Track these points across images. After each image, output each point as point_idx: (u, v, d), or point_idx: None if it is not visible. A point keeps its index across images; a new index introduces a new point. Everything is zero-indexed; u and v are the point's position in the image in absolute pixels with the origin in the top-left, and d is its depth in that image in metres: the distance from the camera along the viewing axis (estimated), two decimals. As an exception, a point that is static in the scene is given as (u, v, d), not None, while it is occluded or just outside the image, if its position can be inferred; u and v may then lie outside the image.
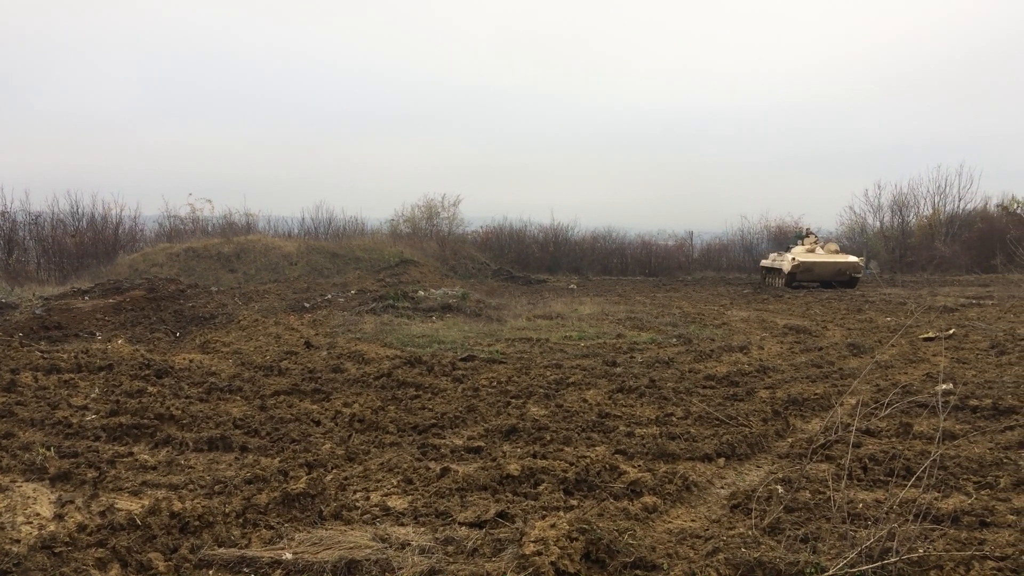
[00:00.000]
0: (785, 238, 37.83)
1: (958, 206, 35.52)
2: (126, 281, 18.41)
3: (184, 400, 7.07)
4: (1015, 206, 35.07)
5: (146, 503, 4.28)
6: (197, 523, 3.99)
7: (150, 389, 7.42)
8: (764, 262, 28.72)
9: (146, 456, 5.44)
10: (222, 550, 3.76)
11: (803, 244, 26.63)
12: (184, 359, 9.11)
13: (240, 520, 4.14)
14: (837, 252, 25.75)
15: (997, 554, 3.65)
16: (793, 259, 24.36)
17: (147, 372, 8.13)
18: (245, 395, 7.45)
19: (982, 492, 4.66)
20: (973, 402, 6.99)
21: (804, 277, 24.63)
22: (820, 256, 24.83)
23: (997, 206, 35.26)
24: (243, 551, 3.76)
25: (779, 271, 25.78)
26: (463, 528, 4.11)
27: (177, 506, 4.10)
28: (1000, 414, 6.63)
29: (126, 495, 4.68)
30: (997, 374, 8.58)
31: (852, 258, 25.12)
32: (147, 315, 13.86)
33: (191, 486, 4.79)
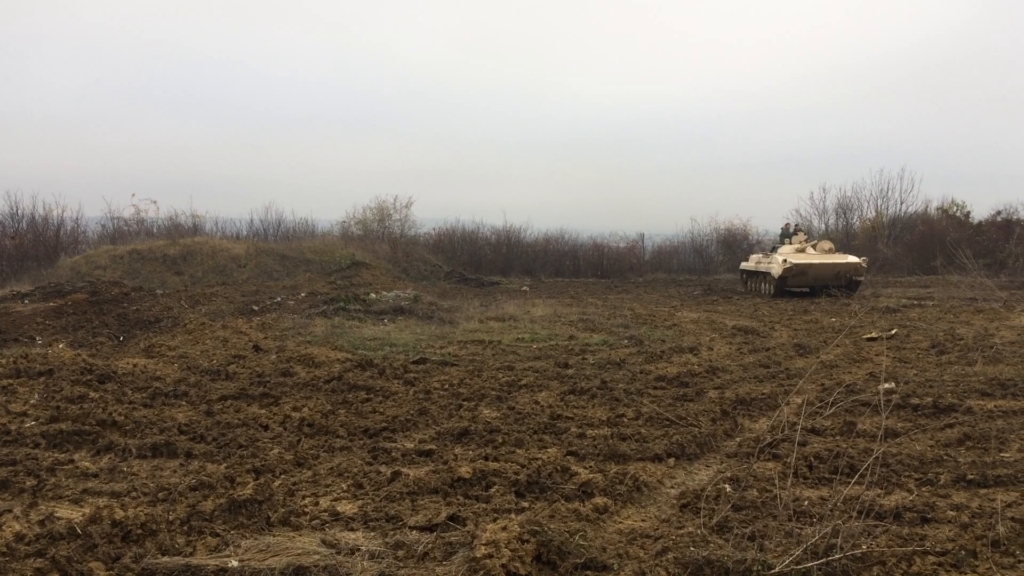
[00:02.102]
0: (734, 239, 38.28)
1: (900, 209, 36.53)
2: (68, 284, 17.93)
3: (127, 406, 6.90)
4: (954, 209, 36.10)
5: (87, 511, 4.15)
6: (140, 531, 3.90)
7: (92, 395, 7.23)
8: (746, 264, 25.03)
9: (87, 463, 5.30)
10: (166, 559, 3.68)
11: (791, 243, 22.98)
12: (128, 364, 8.90)
13: (185, 528, 4.05)
14: (832, 251, 22.15)
15: (938, 549, 3.74)
16: (784, 261, 20.77)
17: (89, 377, 7.93)
18: (191, 400, 7.30)
19: (923, 489, 4.77)
20: (914, 400, 7.16)
21: (797, 282, 21.21)
22: (814, 257, 21.29)
23: (937, 209, 36.26)
24: (188, 559, 3.67)
25: (766, 275, 22.33)
26: (414, 532, 4.07)
27: (119, 514, 3.99)
28: (940, 412, 6.80)
29: (66, 503, 4.55)
30: (937, 373, 8.81)
31: (852, 258, 21.55)
32: (89, 319, 13.52)
33: (134, 493, 4.68)
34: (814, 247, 22.25)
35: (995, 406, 7.04)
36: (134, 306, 15.11)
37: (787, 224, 27.24)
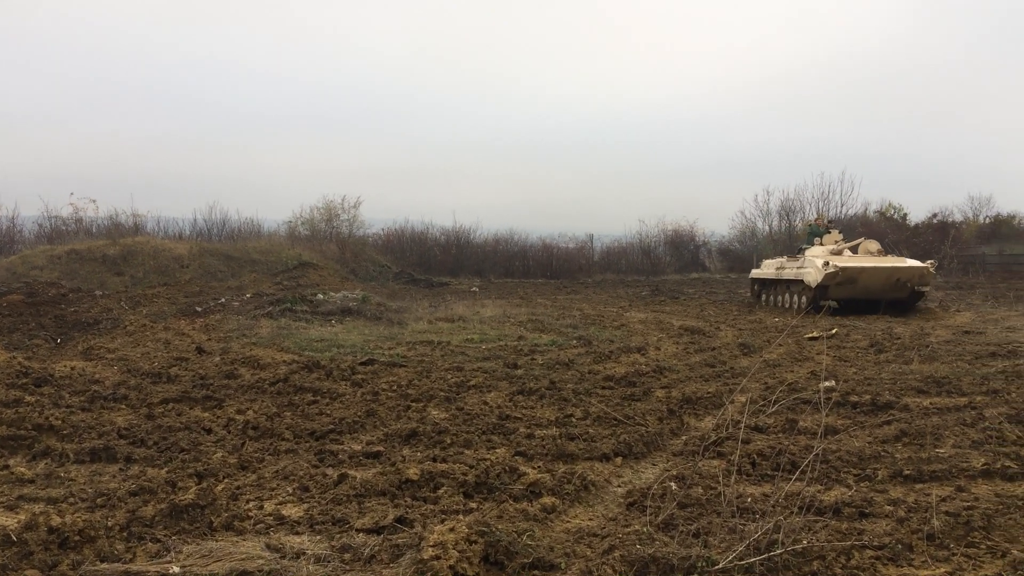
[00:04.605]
0: (681, 241, 38.73)
1: (841, 211, 37.39)
2: (3, 285, 17.41)
3: (65, 409, 6.72)
4: (892, 212, 37.18)
5: (22, 518, 4.03)
6: (78, 538, 3.80)
7: (28, 398, 7.03)
8: (759, 272, 19.94)
9: (23, 469, 5.14)
10: (105, 565, 3.59)
11: (821, 243, 18.14)
12: (65, 366, 8.66)
13: (124, 534, 3.96)
14: (880, 253, 17.26)
15: (875, 543, 3.83)
16: (826, 264, 15.76)
17: (24, 380, 7.70)
18: (131, 403, 7.14)
19: (862, 484, 4.88)
20: (853, 398, 7.33)
21: (842, 293, 16.02)
22: (866, 259, 16.39)
23: (876, 212, 37.25)
24: (127, 566, 3.59)
25: (791, 284, 17.57)
26: (361, 535, 4.04)
27: (56, 520, 3.88)
28: (878, 409, 6.97)
29: (1, 510, 4.41)
30: (876, 371, 9.03)
31: (912, 262, 16.33)
32: (25, 320, 13.12)
33: (72, 499, 4.56)
34: (855, 249, 17.55)
35: (930, 403, 7.24)
36: (72, 307, 14.72)
37: (817, 219, 21.50)
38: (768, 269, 19.23)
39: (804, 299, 16.66)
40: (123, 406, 7.05)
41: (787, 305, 17.74)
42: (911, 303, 16.43)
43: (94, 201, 29.28)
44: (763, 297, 19.79)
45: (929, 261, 16.52)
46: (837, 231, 18.87)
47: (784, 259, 18.52)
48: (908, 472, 5.05)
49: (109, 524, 4.00)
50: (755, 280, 20.38)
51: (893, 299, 16.27)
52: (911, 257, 19.13)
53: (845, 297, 16.21)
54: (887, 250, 20.48)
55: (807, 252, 17.66)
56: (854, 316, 15.64)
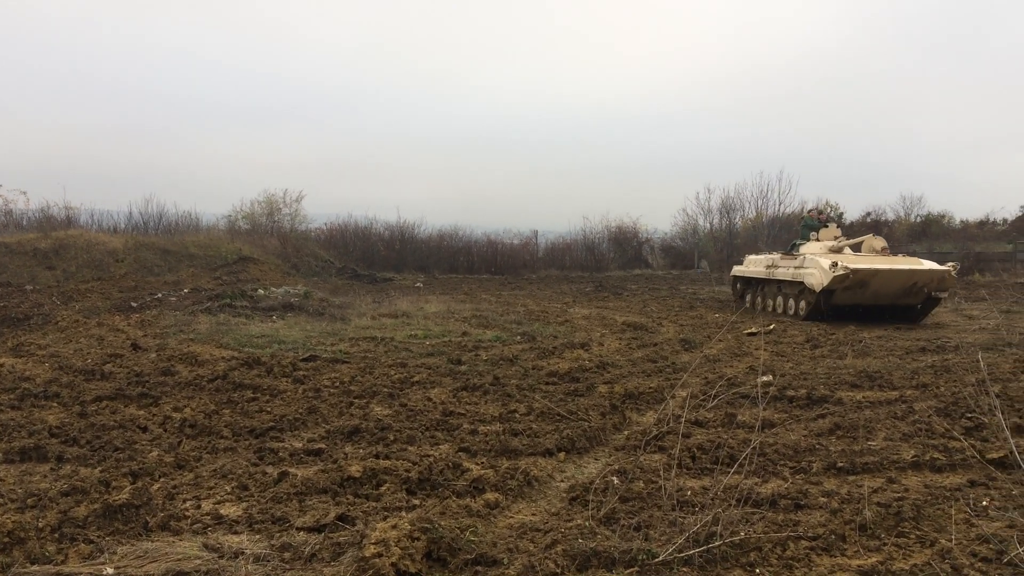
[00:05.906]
0: (624, 237, 39.11)
1: (779, 209, 38.21)
2: (-75, 279, 16.73)
3: (-8, 408, 6.49)
4: (829, 211, 38.12)
5: (-55, 522, 3.89)
6: (7, 539, 3.68)
7: (-48, 397, 6.78)
8: (743, 269, 17.53)
9: (-54, 470, 4.96)
10: (35, 567, 3.48)
11: (817, 239, 15.97)
12: (-7, 363, 8.38)
13: (56, 535, 3.85)
14: (886, 252, 15.13)
15: (810, 534, 3.93)
16: (835, 265, 13.31)
17: (-51, 378, 7.42)
18: (63, 401, 6.94)
19: (797, 476, 5.00)
20: (790, 392, 7.50)
21: (849, 298, 13.81)
22: (879, 260, 14.02)
23: (811, 210, 38.17)
24: (59, 568, 3.49)
25: (791, 286, 15.02)
26: (301, 533, 3.99)
27: (-18, 523, 3.75)
28: (813, 403, 7.15)
29: (-78, 514, 4.24)
30: (811, 366, 9.26)
31: (928, 264, 13.98)
32: (-50, 316, 12.64)
33: (0, 500, 4.41)
34: (856, 247, 15.55)
35: (863, 397, 7.46)
36: (1, 302, 14.23)
37: (812, 211, 18.84)
38: (756, 267, 16.80)
39: (804, 304, 14.58)
40: (55, 404, 6.85)
41: (781, 310, 15.54)
42: (924, 311, 14.44)
43: (24, 193, 28.48)
44: (749, 298, 17.37)
45: (950, 264, 14.17)
46: (835, 225, 16.56)
47: (777, 256, 16.13)
48: (842, 464, 5.19)
49: (40, 525, 3.89)
50: (738, 278, 18.07)
51: (908, 304, 14.28)
52: None
53: (851, 303, 14.08)
54: None
55: (804, 249, 15.55)
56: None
